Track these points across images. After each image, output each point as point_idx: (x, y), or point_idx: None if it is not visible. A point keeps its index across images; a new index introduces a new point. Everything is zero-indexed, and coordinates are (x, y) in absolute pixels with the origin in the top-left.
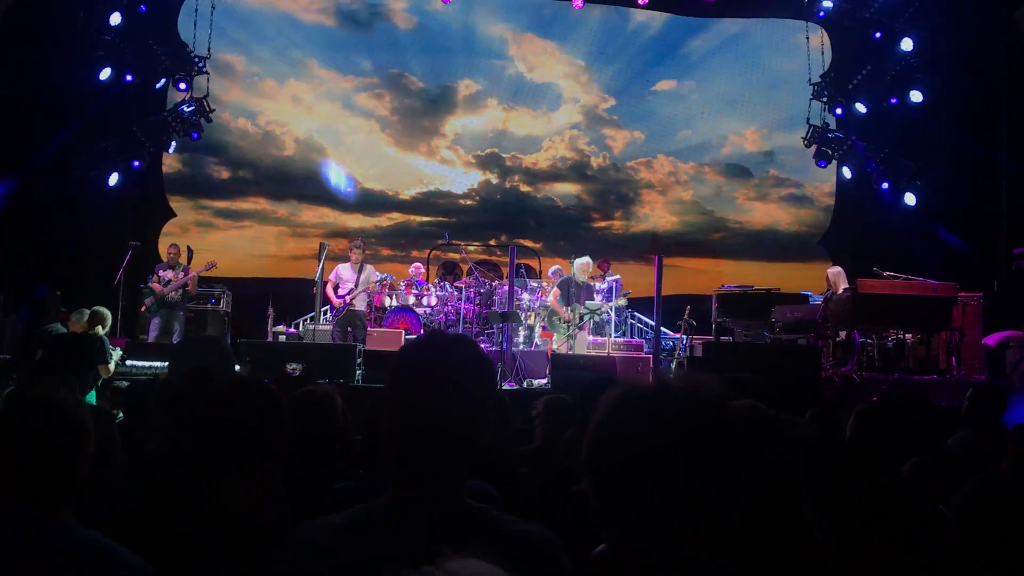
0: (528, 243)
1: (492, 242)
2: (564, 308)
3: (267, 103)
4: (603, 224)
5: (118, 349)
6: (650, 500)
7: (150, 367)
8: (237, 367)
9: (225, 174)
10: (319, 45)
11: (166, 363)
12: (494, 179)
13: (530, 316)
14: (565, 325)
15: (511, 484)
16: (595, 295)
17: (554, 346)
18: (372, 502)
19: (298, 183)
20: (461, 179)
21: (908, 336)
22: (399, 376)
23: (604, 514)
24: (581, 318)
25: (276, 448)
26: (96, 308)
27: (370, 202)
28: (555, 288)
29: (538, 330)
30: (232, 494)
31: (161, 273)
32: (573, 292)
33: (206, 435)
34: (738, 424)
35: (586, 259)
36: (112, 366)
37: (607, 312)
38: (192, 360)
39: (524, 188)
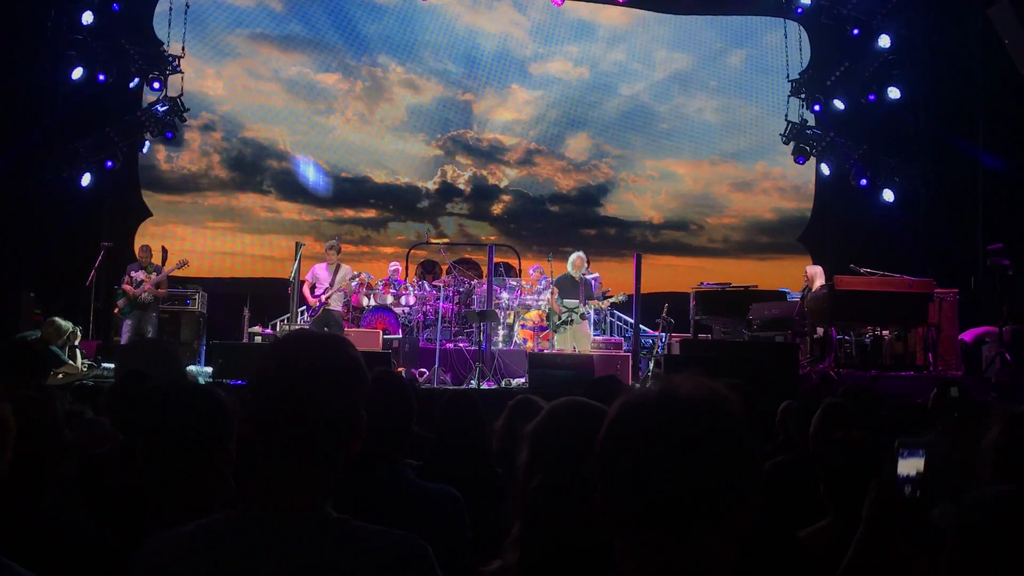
0: (492, 238)
1: (451, 238)
2: (562, 307)
3: (215, 90)
4: (579, 218)
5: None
6: (653, 505)
7: None
8: (208, 370)
9: (183, 169)
10: (270, 27)
11: None
12: (460, 168)
13: (509, 315)
14: (560, 323)
15: (487, 484)
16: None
17: (558, 347)
18: (230, 511)
19: (259, 175)
20: (425, 167)
21: (885, 332)
22: (258, 378)
23: (611, 520)
24: (560, 318)
25: (218, 457)
26: (51, 319)
27: (334, 193)
28: (553, 287)
29: (517, 329)
30: (170, 502)
31: (133, 274)
32: (571, 288)
33: (144, 441)
34: (744, 429)
35: (578, 254)
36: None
37: (589, 311)
38: (138, 363)
39: (491, 180)
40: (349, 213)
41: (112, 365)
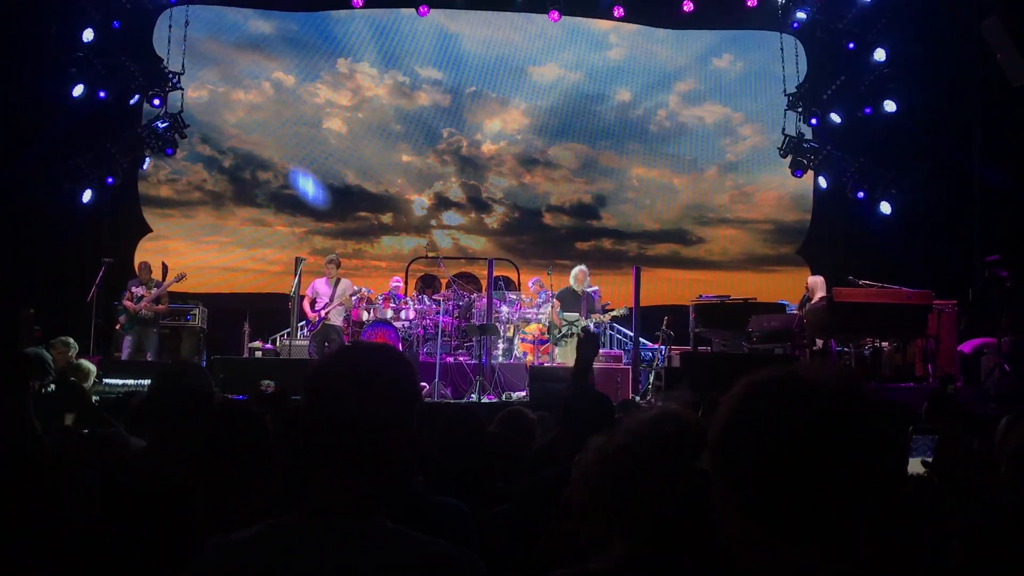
0: (477, 249)
1: (445, 251)
2: (562, 320)
3: (202, 101)
4: (576, 229)
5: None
6: (797, 508)
7: (123, 385)
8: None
9: (176, 183)
10: (258, 36)
11: (139, 381)
12: (453, 178)
13: (509, 328)
14: (561, 336)
15: (489, 498)
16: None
17: (558, 360)
18: (283, 517)
19: (252, 189)
20: (417, 178)
21: (884, 344)
22: (311, 389)
23: (744, 531)
24: (561, 331)
25: (264, 469)
26: (80, 362)
27: (326, 206)
28: (555, 301)
29: (518, 342)
30: (216, 510)
31: (134, 290)
32: (573, 302)
33: (199, 451)
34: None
35: (580, 268)
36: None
37: (590, 325)
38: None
39: (485, 191)
40: (341, 226)
41: (115, 381)
